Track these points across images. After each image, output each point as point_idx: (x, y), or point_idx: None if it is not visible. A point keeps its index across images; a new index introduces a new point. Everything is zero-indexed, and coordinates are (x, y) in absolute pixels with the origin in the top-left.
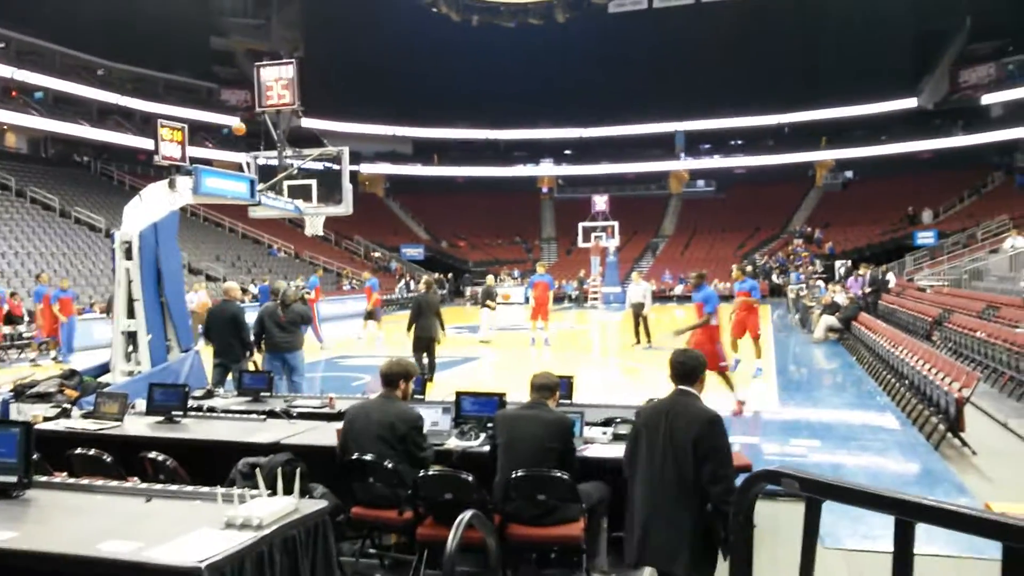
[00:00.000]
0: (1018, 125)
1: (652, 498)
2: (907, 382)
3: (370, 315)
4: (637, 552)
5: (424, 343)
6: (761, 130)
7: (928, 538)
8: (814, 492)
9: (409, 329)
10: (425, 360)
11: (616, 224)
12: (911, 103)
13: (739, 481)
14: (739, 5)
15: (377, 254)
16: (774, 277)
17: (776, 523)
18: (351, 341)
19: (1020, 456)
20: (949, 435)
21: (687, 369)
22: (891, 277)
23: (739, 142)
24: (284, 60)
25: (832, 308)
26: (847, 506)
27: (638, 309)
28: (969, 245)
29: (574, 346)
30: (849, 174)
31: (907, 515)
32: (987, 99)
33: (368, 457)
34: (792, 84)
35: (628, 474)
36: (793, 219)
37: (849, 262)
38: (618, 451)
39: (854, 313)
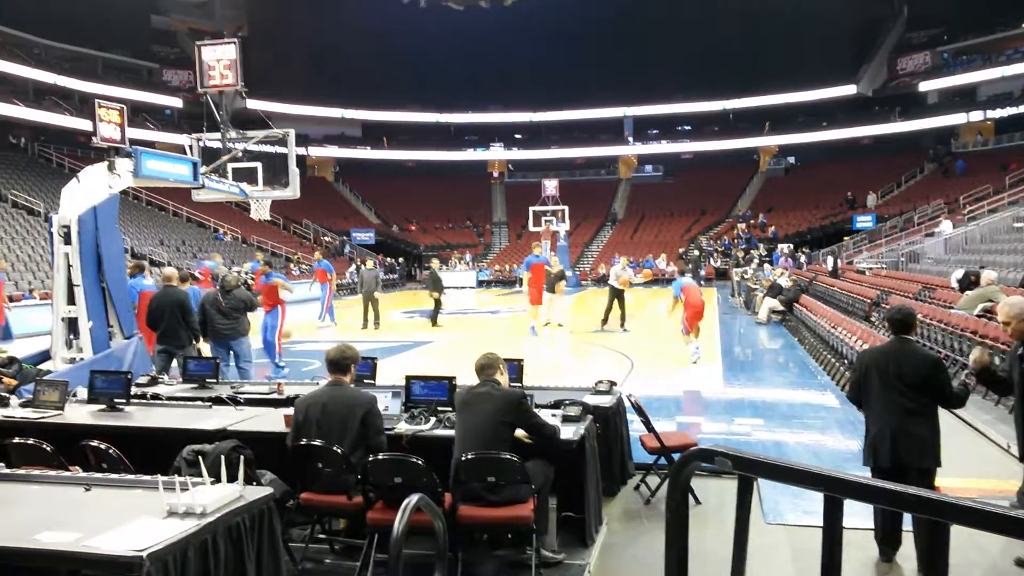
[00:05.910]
0: (953, 112)
1: (894, 418)
2: (847, 362)
3: None
4: (891, 455)
5: None
6: (706, 116)
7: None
8: (745, 470)
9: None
10: None
11: (567, 208)
12: (850, 90)
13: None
14: None
15: (327, 238)
16: (718, 261)
17: (722, 499)
18: (310, 327)
19: (956, 433)
20: None
21: (904, 322)
22: (830, 260)
23: (686, 127)
24: (226, 40)
25: (775, 290)
26: (790, 484)
27: (617, 291)
28: (906, 229)
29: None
30: (792, 159)
31: (833, 491)
32: (924, 86)
33: (317, 442)
34: (736, 70)
35: (859, 400)
36: (738, 203)
37: (791, 245)
38: (567, 433)
39: (796, 295)
